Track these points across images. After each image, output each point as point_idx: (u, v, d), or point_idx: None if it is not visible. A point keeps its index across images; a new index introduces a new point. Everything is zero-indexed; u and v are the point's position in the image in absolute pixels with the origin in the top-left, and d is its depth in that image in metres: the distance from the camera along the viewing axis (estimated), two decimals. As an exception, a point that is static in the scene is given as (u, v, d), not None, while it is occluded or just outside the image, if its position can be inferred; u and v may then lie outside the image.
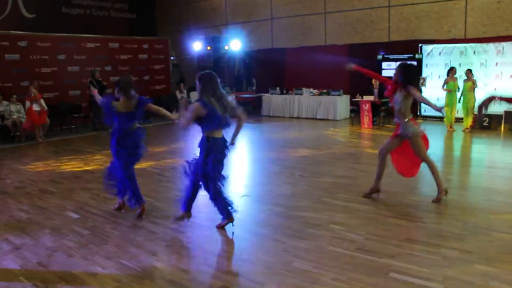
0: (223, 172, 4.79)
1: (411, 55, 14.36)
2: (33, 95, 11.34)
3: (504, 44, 12.73)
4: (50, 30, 14.32)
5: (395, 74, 5.55)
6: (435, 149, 9.28)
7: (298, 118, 15.04)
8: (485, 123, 11.97)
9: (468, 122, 11.46)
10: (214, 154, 4.60)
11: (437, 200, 5.61)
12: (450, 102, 11.38)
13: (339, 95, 14.59)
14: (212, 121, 4.52)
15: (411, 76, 5.53)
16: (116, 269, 3.97)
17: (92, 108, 13.27)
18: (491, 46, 12.97)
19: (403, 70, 5.50)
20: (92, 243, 4.59)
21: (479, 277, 3.62)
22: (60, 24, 15.63)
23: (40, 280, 3.78)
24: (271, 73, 17.33)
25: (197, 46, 17.85)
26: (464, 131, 11.40)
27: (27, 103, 11.40)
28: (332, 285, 3.60)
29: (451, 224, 4.85)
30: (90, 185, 6.94)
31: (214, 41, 17.79)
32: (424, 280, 3.57)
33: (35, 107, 11.40)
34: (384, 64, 14.68)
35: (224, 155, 4.72)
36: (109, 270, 3.95)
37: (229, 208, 4.81)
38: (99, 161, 8.73)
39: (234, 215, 4.86)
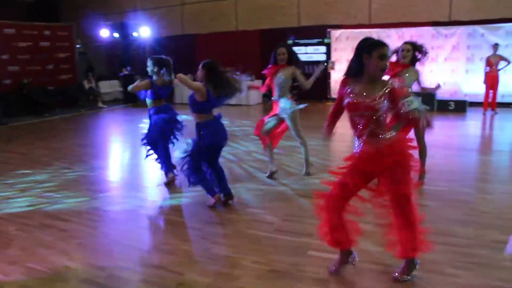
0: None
1: (320, 40, 14.80)
2: None
3: (404, 29, 13.56)
4: None
5: (282, 53, 5.83)
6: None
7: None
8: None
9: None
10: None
11: (307, 174, 6.14)
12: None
13: (251, 80, 14.66)
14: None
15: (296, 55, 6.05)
16: (22, 273, 3.64)
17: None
18: (392, 31, 13.74)
19: (289, 50, 5.97)
20: (-7, 247, 4.22)
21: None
22: None
23: None
24: (183, 60, 17.00)
25: (104, 33, 17.03)
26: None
27: None
28: (252, 268, 3.62)
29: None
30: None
31: (122, 27, 17.05)
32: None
33: None
34: (295, 49, 14.95)
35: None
36: (14, 276, 3.61)
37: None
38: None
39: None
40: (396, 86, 3.12)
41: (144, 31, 16.91)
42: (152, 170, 6.96)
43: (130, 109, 15.50)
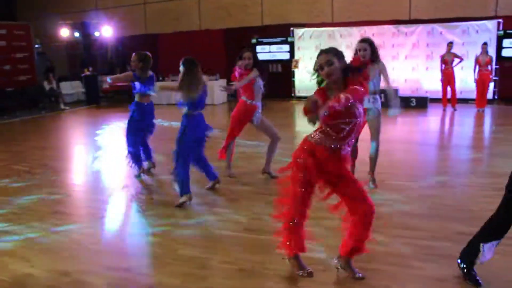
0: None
1: (284, 38, 14.88)
2: None
3: (366, 28, 13.80)
4: None
5: (248, 58, 5.71)
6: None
7: (175, 104, 14.79)
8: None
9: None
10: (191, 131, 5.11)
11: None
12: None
13: (216, 79, 14.63)
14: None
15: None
16: (-20, 284, 3.52)
17: None
18: (354, 30, 13.97)
19: (254, 55, 5.84)
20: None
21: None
22: None
23: None
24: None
25: (64, 32, 16.60)
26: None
27: None
28: (220, 268, 3.61)
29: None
30: None
31: (83, 27, 16.66)
32: (308, 251, 3.73)
33: None
34: (259, 48, 15.05)
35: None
36: (-30, 287, 3.46)
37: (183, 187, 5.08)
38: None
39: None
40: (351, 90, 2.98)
41: (105, 31, 16.59)
42: (116, 173, 6.87)
43: (93, 111, 15.19)
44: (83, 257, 3.96)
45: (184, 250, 3.96)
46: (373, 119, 5.36)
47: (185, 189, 5.08)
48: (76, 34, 16.66)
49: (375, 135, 5.39)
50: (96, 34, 16.75)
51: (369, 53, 5.20)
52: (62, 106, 15.26)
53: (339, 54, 3.15)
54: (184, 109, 5.13)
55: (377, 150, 5.42)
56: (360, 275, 3.33)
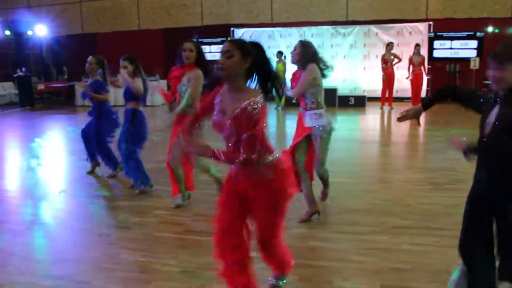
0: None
1: (224, 39, 14.84)
2: None
3: (305, 28, 14.06)
4: None
5: (188, 49, 4.69)
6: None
7: (115, 106, 14.41)
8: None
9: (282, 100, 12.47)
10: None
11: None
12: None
13: (156, 80, 14.39)
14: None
15: None
16: None
17: None
18: (294, 30, 14.20)
19: (198, 47, 4.90)
20: None
21: (298, 240, 3.96)
22: None
23: None
24: (83, 60, 16.21)
25: (-8, 31, 15.73)
26: (276, 108, 12.46)
27: None
28: (163, 270, 3.53)
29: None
30: None
31: (14, 25, 15.84)
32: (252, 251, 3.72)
33: None
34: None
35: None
36: None
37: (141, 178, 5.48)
38: None
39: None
40: (247, 107, 2.32)
41: (40, 29, 15.87)
42: (52, 177, 6.59)
43: (28, 113, 14.50)
44: (14, 267, 3.72)
45: (124, 254, 3.84)
46: (318, 140, 4.43)
47: (147, 180, 5.52)
48: (7, 32, 15.82)
49: (319, 161, 4.47)
50: (29, 33, 15.99)
51: (300, 56, 4.35)
52: (-8, 109, 14.48)
53: (245, 48, 2.40)
54: (131, 104, 5.42)
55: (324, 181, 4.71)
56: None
